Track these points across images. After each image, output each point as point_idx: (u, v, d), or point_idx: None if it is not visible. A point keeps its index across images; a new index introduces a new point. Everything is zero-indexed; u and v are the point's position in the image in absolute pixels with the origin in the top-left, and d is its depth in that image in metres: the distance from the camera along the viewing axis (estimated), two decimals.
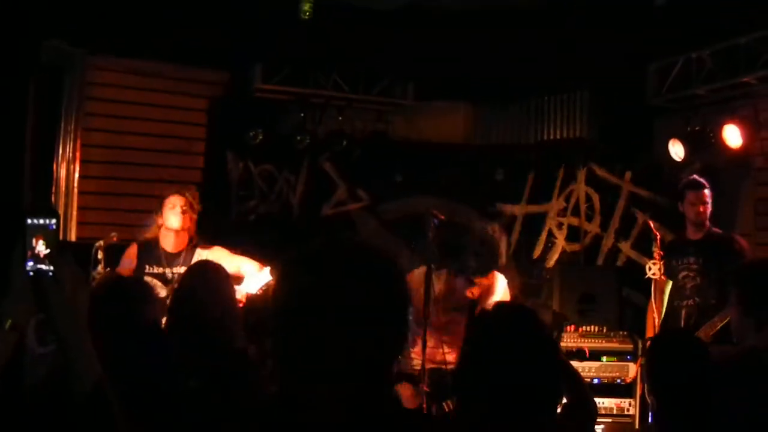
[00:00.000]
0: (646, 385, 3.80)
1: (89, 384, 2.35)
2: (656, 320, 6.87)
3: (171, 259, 6.31)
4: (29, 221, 2.37)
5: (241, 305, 5.63)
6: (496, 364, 2.73)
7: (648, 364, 3.69)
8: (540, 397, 2.75)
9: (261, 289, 6.10)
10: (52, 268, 2.34)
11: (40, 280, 2.31)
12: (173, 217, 6.30)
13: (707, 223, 6.88)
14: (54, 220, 2.38)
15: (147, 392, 3.46)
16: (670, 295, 6.98)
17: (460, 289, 5.92)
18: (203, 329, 4.15)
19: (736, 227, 7.57)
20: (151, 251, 6.32)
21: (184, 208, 6.32)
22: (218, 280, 4.41)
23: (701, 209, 6.83)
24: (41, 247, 2.36)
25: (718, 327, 6.26)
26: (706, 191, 6.82)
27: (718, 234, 6.90)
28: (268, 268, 6.18)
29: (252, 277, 6.13)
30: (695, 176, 7.01)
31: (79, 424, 2.33)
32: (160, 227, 6.37)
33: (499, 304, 3.21)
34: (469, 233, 5.88)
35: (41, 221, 2.38)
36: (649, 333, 6.92)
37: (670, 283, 7.00)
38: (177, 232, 6.31)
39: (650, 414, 5.07)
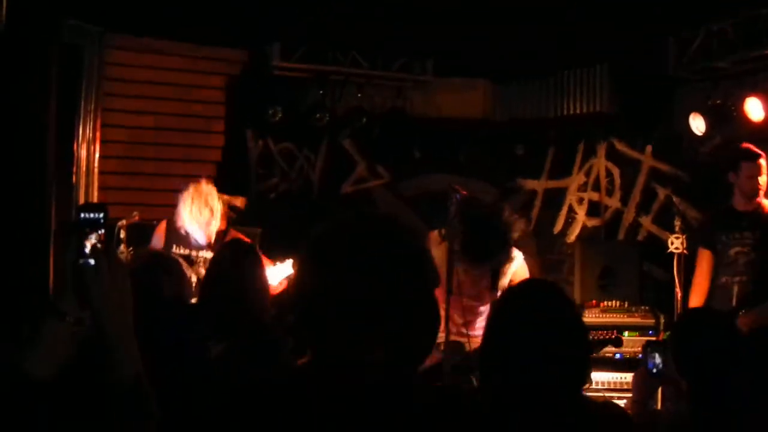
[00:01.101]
0: (670, 362, 3.76)
1: (129, 377, 2.37)
2: (698, 301, 6.64)
3: (198, 243, 6.30)
4: (82, 215, 2.41)
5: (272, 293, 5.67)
6: (521, 341, 2.68)
7: (673, 342, 3.68)
8: (567, 375, 2.70)
9: (282, 281, 6.11)
10: (93, 261, 2.37)
11: (83, 275, 2.33)
12: (199, 233, 6.23)
13: (761, 194, 6.55)
14: (102, 214, 2.41)
15: (173, 360, 3.50)
16: (717, 270, 6.66)
17: (480, 276, 5.86)
18: (235, 301, 4.22)
19: None
20: (179, 232, 6.31)
21: (210, 221, 6.24)
22: (252, 256, 4.49)
23: (759, 181, 6.50)
24: (93, 241, 2.39)
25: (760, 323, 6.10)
26: (762, 161, 6.50)
27: None
28: (290, 261, 6.15)
29: (274, 269, 6.10)
30: (749, 145, 6.68)
31: (114, 418, 2.35)
32: None
33: (525, 281, 3.19)
34: (495, 224, 5.82)
35: (92, 215, 2.42)
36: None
37: (709, 251, 6.69)
38: None
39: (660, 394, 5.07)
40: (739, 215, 6.61)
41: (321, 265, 1.99)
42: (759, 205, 6.57)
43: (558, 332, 2.69)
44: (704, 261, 6.72)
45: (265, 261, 6.10)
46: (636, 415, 3.69)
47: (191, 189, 6.26)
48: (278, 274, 6.10)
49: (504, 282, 5.90)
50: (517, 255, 6.05)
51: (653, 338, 7.22)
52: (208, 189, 6.30)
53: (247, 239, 6.14)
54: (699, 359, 3.46)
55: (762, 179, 6.49)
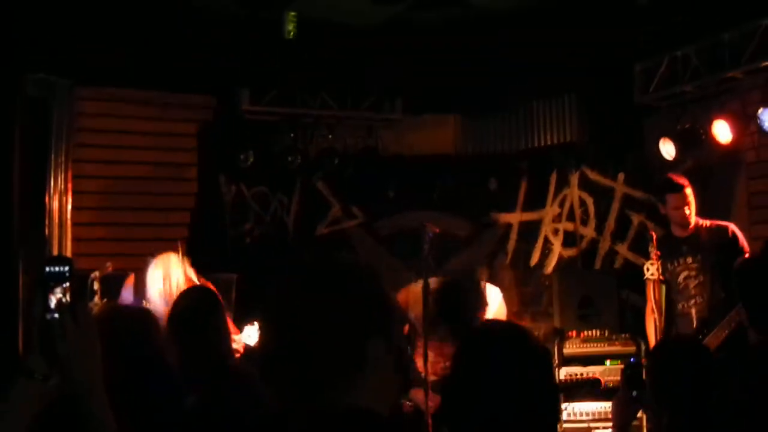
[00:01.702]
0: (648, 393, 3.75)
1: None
2: (658, 324, 6.74)
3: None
4: (47, 269, 2.38)
5: (238, 355, 5.60)
6: (485, 385, 2.59)
7: (651, 374, 3.67)
8: (533, 420, 2.62)
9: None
10: (57, 316, 2.34)
11: (49, 330, 2.31)
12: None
13: (692, 221, 6.74)
14: (67, 267, 2.39)
15: (146, 415, 3.45)
16: (672, 297, 6.83)
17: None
18: (200, 347, 4.18)
19: (731, 222, 7.52)
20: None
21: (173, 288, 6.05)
22: (210, 300, 4.45)
23: (685, 211, 6.69)
24: (58, 295, 2.36)
25: (723, 337, 6.20)
26: (687, 190, 6.67)
27: (707, 227, 6.78)
28: None
29: (252, 328, 6.00)
30: (672, 176, 6.86)
31: None
32: None
33: (489, 322, 3.14)
34: (469, 292, 5.89)
35: (57, 269, 2.39)
36: (652, 338, 6.83)
37: (664, 286, 6.87)
38: None
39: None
40: (677, 242, 6.84)
41: (274, 322, 2.03)
42: (695, 228, 6.77)
43: (521, 374, 2.60)
44: (657, 289, 6.85)
45: (232, 326, 6.04)
46: None
47: (158, 263, 6.07)
48: (256, 333, 6.01)
49: (485, 315, 5.93)
50: (495, 292, 6.08)
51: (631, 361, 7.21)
52: (173, 261, 6.09)
53: (211, 286, 6.02)
54: (674, 388, 3.46)
55: (687, 209, 6.68)
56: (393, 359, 2.05)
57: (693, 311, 6.73)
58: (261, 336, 2.11)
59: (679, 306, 6.82)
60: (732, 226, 6.75)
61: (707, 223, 6.80)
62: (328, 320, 1.97)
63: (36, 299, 2.34)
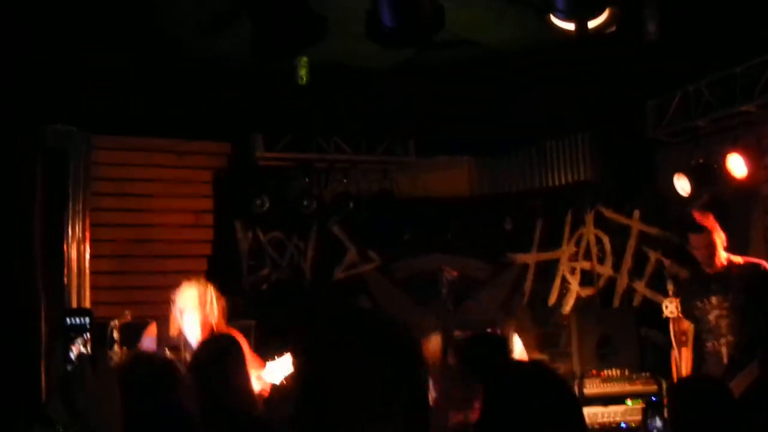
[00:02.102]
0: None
1: None
2: (687, 366, 6.71)
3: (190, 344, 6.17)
4: (67, 321, 2.41)
5: (265, 395, 5.59)
6: (513, 420, 2.62)
7: (672, 411, 3.66)
8: None
9: (285, 378, 5.99)
10: (77, 366, 2.36)
11: (70, 381, 2.32)
12: (190, 332, 6.04)
13: (718, 262, 6.60)
14: (87, 318, 2.42)
15: None
16: (701, 335, 6.72)
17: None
18: (223, 399, 4.17)
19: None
20: (170, 333, 6.18)
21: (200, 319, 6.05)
22: (235, 350, 4.45)
23: (707, 252, 6.57)
24: (79, 346, 2.39)
25: (754, 377, 6.05)
26: (711, 231, 6.55)
27: (739, 264, 6.63)
28: (289, 354, 6.03)
29: (275, 366, 5.99)
30: (696, 215, 6.74)
31: None
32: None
33: (517, 363, 3.12)
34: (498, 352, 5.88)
35: (77, 320, 2.42)
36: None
37: (691, 324, 6.81)
38: None
39: None
40: (707, 279, 6.69)
41: (319, 358, 2.05)
42: (727, 265, 6.62)
43: (556, 418, 2.61)
44: (684, 329, 6.88)
45: (257, 361, 6.04)
46: None
47: (184, 287, 6.15)
48: (278, 370, 6.00)
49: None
50: (516, 342, 6.08)
51: (652, 400, 7.15)
52: (200, 288, 6.16)
53: (235, 333, 6.02)
54: (696, 427, 3.44)
55: (711, 250, 6.55)
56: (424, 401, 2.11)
57: (723, 350, 6.55)
58: (302, 367, 2.11)
59: (709, 344, 6.65)
60: (765, 263, 6.60)
61: (739, 260, 6.66)
62: (365, 373, 2.00)
63: (57, 350, 2.36)
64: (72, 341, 2.36)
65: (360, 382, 1.98)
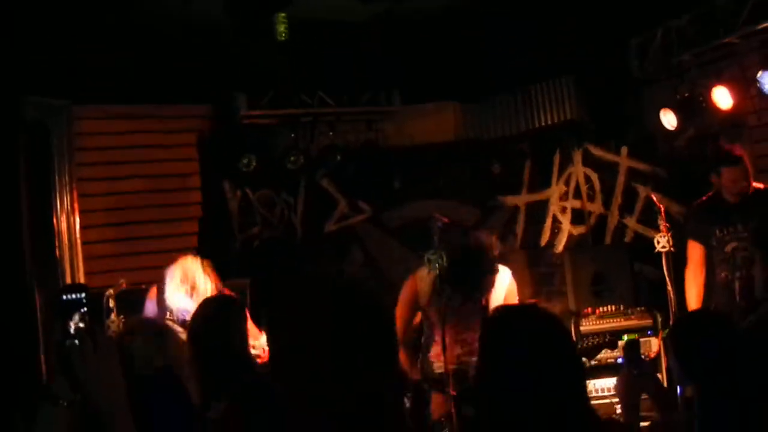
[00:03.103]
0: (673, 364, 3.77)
1: None
2: (697, 295, 6.57)
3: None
4: (63, 297, 2.42)
5: (260, 360, 5.60)
6: (509, 365, 2.67)
7: (675, 346, 3.67)
8: (566, 393, 2.67)
9: None
10: (76, 341, 2.38)
11: (69, 355, 2.33)
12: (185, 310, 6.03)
13: (750, 191, 6.40)
14: (84, 294, 2.43)
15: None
16: (713, 264, 6.59)
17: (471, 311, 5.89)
18: (222, 357, 4.18)
19: None
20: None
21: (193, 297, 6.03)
22: (232, 309, 4.46)
23: (743, 183, 6.37)
24: (76, 321, 2.40)
25: None
26: (743, 163, 6.35)
27: (762, 191, 6.43)
28: None
29: None
30: (729, 147, 6.51)
31: None
32: None
33: (506, 306, 3.16)
34: (477, 258, 5.86)
35: (74, 296, 2.43)
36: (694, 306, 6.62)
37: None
38: None
39: (678, 388, 5.06)
40: (728, 208, 6.50)
41: (284, 329, 2.10)
42: (748, 193, 6.45)
43: (550, 354, 2.68)
44: (696, 254, 6.71)
45: (255, 330, 6.04)
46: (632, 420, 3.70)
47: (174, 267, 6.09)
48: None
49: (498, 300, 5.93)
50: (505, 272, 6.08)
51: (632, 338, 7.22)
52: (192, 265, 6.11)
53: (229, 292, 6.01)
54: (708, 361, 3.45)
55: (746, 181, 6.38)
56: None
57: (737, 284, 6.30)
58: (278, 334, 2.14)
59: (722, 274, 6.49)
60: None
61: (760, 185, 6.48)
62: (332, 337, 2.04)
63: (55, 327, 2.36)
64: (70, 317, 2.37)
65: (327, 345, 2.02)
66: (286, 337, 2.09)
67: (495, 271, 5.91)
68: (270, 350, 2.13)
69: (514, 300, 6.08)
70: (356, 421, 2.01)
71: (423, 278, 5.98)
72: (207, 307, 4.63)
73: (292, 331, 2.07)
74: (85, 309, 2.36)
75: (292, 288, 2.15)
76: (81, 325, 2.36)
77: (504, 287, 6.04)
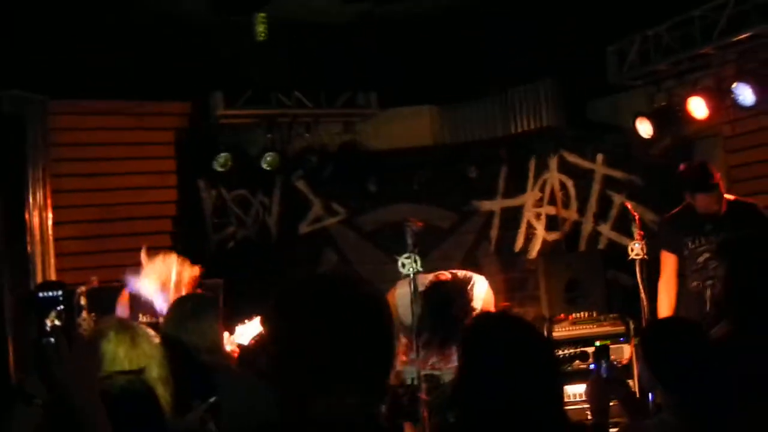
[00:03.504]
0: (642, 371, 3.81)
1: None
2: (668, 305, 6.60)
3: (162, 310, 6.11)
4: (39, 295, 2.41)
5: (235, 356, 5.58)
6: (490, 378, 2.72)
7: (645, 353, 3.70)
8: (543, 399, 2.71)
9: (254, 339, 6.00)
10: (52, 339, 2.35)
11: (45, 353, 2.31)
12: (160, 301, 6.00)
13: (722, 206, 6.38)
14: (60, 291, 2.42)
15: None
16: (685, 274, 6.62)
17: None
18: (196, 357, 4.17)
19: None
20: (141, 299, 6.13)
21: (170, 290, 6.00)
22: (207, 307, 4.44)
23: (716, 207, 6.35)
24: (52, 318, 2.39)
25: None
26: (719, 190, 6.32)
27: (734, 203, 6.44)
28: (258, 318, 6.02)
29: (243, 328, 5.98)
30: (703, 171, 6.40)
31: None
32: None
33: (485, 314, 3.20)
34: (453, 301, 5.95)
35: (50, 294, 2.42)
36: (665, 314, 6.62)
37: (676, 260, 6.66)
38: None
39: (649, 394, 5.08)
40: (701, 219, 6.50)
41: (289, 320, 2.09)
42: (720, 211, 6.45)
43: (529, 361, 2.72)
44: (669, 265, 6.72)
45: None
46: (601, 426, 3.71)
47: (151, 262, 6.06)
48: (248, 332, 5.99)
49: (473, 304, 5.97)
50: (481, 281, 6.12)
51: (603, 344, 7.22)
52: (171, 264, 6.08)
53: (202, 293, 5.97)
54: (676, 367, 3.48)
55: (717, 204, 6.36)
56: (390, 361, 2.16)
57: (708, 292, 6.43)
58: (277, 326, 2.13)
59: (693, 283, 6.57)
60: (759, 207, 6.46)
61: (731, 197, 6.49)
62: (335, 333, 2.05)
63: (30, 325, 2.35)
64: (46, 314, 2.36)
65: (329, 342, 2.02)
66: (286, 339, 2.08)
67: (469, 312, 6.00)
68: (269, 351, 2.13)
69: (491, 309, 6.13)
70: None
71: (402, 297, 6.04)
72: (181, 305, 4.60)
73: (294, 333, 2.07)
74: (62, 307, 2.34)
75: (295, 288, 2.16)
76: (57, 323, 2.35)
77: (481, 298, 6.08)
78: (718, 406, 3.37)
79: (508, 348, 2.74)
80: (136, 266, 6.02)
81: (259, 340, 5.86)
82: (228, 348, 5.60)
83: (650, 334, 3.93)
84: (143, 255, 5.90)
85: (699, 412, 3.38)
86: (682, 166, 6.60)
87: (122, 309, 6.15)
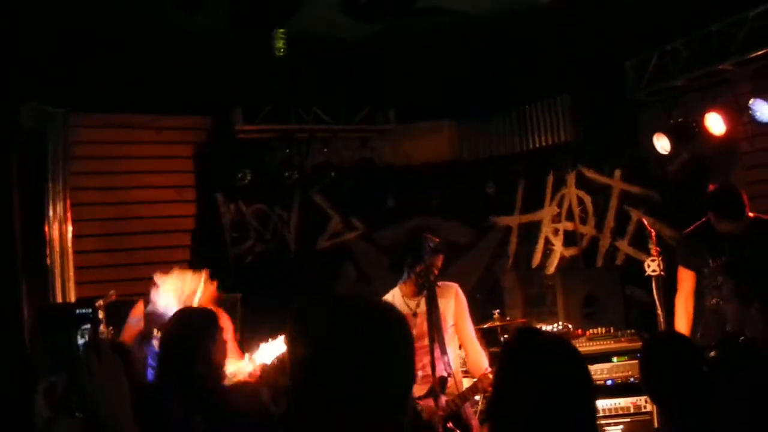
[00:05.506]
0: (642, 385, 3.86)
1: None
2: (687, 322, 6.50)
3: None
4: (77, 312, 2.46)
5: (258, 375, 5.58)
6: (525, 394, 2.72)
7: (642, 368, 3.74)
8: (581, 414, 2.73)
9: (277, 358, 5.98)
10: (84, 354, 2.39)
11: (78, 370, 2.34)
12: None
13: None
14: (90, 310, 2.47)
15: None
16: (704, 290, 6.54)
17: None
18: (183, 378, 4.17)
19: None
20: (158, 314, 6.13)
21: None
22: (203, 323, 4.43)
23: (738, 233, 6.20)
24: (83, 335, 2.44)
25: None
26: (746, 220, 6.18)
27: (754, 220, 6.28)
28: (282, 337, 5.99)
29: (267, 346, 5.97)
30: (734, 200, 6.23)
31: None
32: None
33: (523, 332, 3.19)
34: None
35: (83, 311, 2.47)
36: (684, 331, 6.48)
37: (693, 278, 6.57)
38: None
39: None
40: (721, 238, 6.37)
41: (314, 344, 2.09)
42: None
43: (567, 377, 2.73)
44: (687, 282, 6.60)
45: (238, 352, 6.01)
46: None
47: (166, 276, 6.07)
48: (271, 351, 5.97)
49: (447, 317, 5.99)
50: (451, 287, 6.14)
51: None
52: (181, 276, 6.09)
53: (219, 312, 5.96)
54: (666, 380, 3.52)
55: (739, 230, 6.21)
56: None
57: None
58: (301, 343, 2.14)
59: (712, 301, 6.42)
60: None
61: (750, 214, 6.30)
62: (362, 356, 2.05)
63: (68, 341, 2.39)
64: (79, 330, 2.41)
65: (357, 363, 2.03)
66: (310, 362, 2.08)
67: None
68: (296, 363, 2.13)
69: (465, 314, 6.14)
70: None
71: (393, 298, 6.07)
72: (179, 319, 4.59)
73: (318, 357, 2.07)
74: (92, 324, 2.40)
75: (317, 310, 2.16)
76: (87, 338, 2.40)
77: (451, 306, 6.09)
78: (705, 421, 3.38)
79: (545, 364, 2.74)
80: (153, 282, 6.06)
81: (281, 359, 5.85)
82: (249, 366, 5.60)
83: (644, 348, 3.98)
84: (156, 275, 5.92)
85: (686, 425, 3.39)
86: (711, 187, 6.46)
87: (137, 321, 6.16)
